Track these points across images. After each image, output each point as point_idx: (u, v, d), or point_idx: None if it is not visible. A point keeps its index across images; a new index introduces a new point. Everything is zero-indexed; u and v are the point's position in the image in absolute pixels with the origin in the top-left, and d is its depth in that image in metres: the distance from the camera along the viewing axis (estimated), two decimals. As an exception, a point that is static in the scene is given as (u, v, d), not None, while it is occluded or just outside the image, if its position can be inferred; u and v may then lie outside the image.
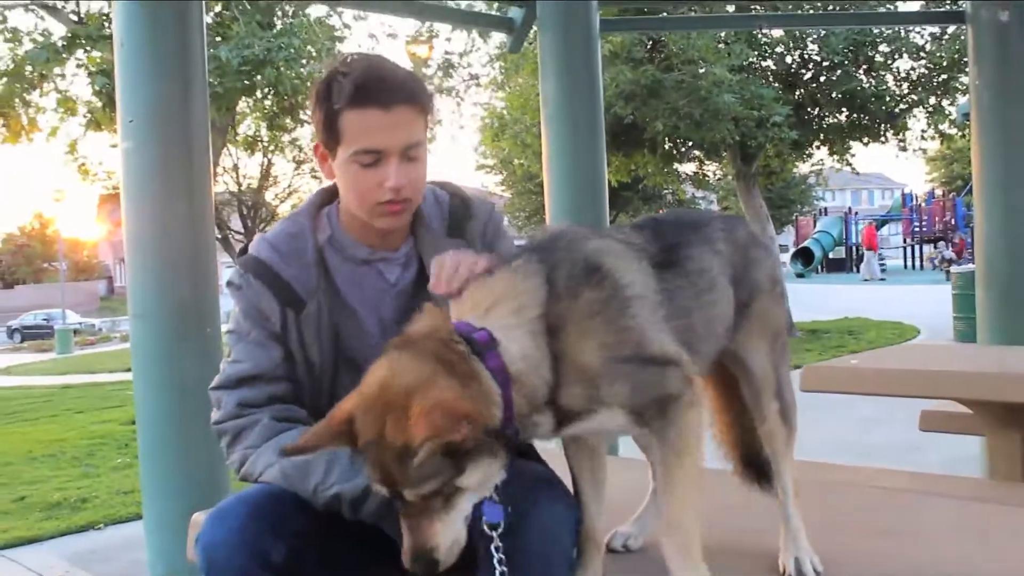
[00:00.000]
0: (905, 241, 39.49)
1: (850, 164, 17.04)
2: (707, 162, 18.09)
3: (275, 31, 12.88)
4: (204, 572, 1.77)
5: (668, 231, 1.80)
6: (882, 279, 31.71)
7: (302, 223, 2.02)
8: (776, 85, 15.38)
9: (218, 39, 12.19)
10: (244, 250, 2.03)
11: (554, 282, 1.62)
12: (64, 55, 12.18)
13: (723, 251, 1.83)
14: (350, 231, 2.02)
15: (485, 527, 1.59)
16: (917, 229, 37.36)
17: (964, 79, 14.24)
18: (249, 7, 12.51)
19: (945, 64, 15.25)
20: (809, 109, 15.96)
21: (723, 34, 13.90)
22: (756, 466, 1.96)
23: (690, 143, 15.67)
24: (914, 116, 16.28)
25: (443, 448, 1.41)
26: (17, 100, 12.88)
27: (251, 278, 1.96)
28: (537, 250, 1.70)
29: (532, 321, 1.59)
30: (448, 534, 1.49)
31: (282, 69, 12.82)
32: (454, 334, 1.57)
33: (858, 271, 35.52)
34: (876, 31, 15.17)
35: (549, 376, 1.57)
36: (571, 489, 1.78)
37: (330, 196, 2.09)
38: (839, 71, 15.31)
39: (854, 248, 37.66)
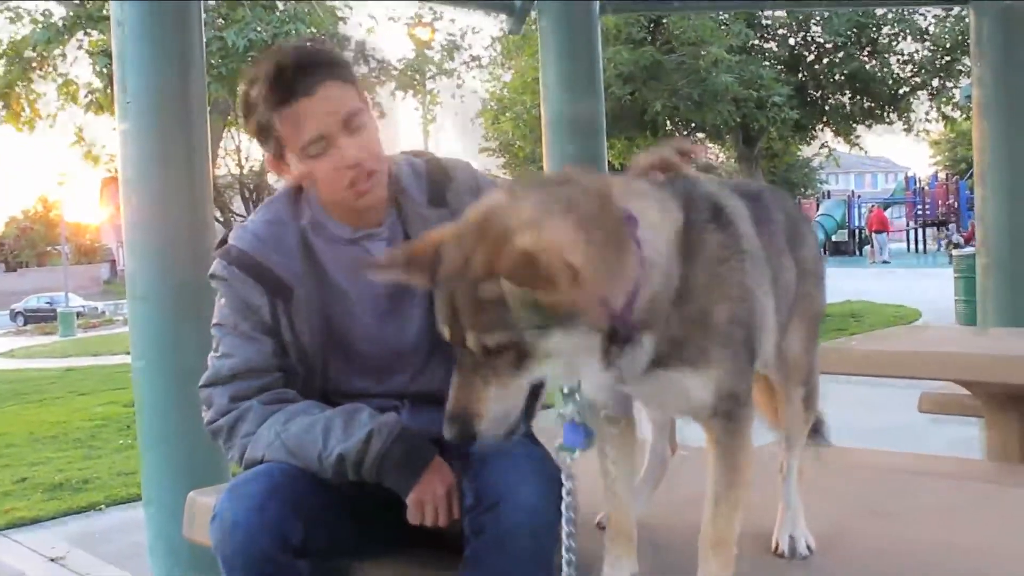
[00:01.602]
0: (908, 225, 39.40)
1: (858, 146, 17.02)
2: (710, 144, 18.03)
3: (279, 15, 12.81)
4: (220, 553, 1.69)
5: (738, 188, 1.66)
6: (886, 262, 31.65)
7: (279, 208, 1.98)
8: (779, 67, 15.33)
9: (220, 20, 12.15)
10: (223, 241, 1.98)
11: (688, 211, 1.42)
12: (65, 36, 12.17)
13: (780, 220, 1.70)
14: (331, 212, 1.97)
15: (557, 450, 1.39)
16: (920, 213, 37.27)
17: (968, 61, 14.18)
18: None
19: (948, 46, 15.18)
20: (812, 91, 15.90)
21: (724, 15, 13.83)
22: None
23: (692, 125, 15.64)
24: (917, 98, 16.23)
25: (532, 299, 1.16)
26: (19, 83, 12.87)
27: (235, 269, 1.91)
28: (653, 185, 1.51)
29: (676, 233, 1.38)
30: (500, 404, 1.24)
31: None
32: (613, 195, 1.32)
33: (861, 254, 35.39)
34: (879, 12, 15.10)
35: (673, 293, 1.36)
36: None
37: None
38: (842, 53, 15.24)
39: (857, 231, 37.58)
